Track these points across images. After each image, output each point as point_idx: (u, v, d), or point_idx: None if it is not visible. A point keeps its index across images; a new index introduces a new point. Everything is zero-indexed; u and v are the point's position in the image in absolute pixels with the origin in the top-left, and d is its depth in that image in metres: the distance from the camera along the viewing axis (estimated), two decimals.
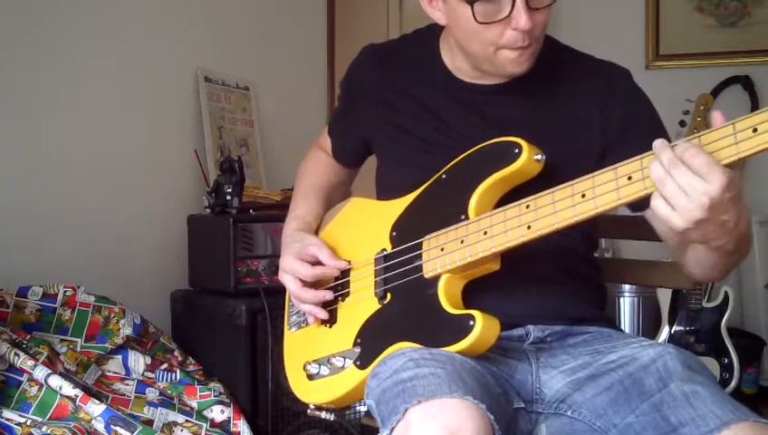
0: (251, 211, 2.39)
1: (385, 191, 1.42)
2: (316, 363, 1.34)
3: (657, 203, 1.00)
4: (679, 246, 1.24)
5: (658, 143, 1.00)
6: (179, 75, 2.70)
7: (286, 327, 1.48)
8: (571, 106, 1.33)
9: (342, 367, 1.29)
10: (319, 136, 1.65)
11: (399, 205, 1.34)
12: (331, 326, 1.37)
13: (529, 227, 1.13)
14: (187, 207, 2.54)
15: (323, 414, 1.37)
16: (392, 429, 1.03)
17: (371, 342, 1.27)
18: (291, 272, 1.39)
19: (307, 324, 1.42)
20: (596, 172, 1.08)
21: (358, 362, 1.27)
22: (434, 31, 1.40)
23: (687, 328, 2.75)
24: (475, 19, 1.21)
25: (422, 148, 1.36)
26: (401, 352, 1.18)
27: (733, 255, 1.11)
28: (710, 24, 3.35)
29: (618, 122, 1.31)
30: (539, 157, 1.20)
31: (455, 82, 1.37)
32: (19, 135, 2.24)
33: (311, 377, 1.35)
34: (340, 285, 1.38)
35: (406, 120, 1.38)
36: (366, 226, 1.40)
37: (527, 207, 1.14)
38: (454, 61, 1.37)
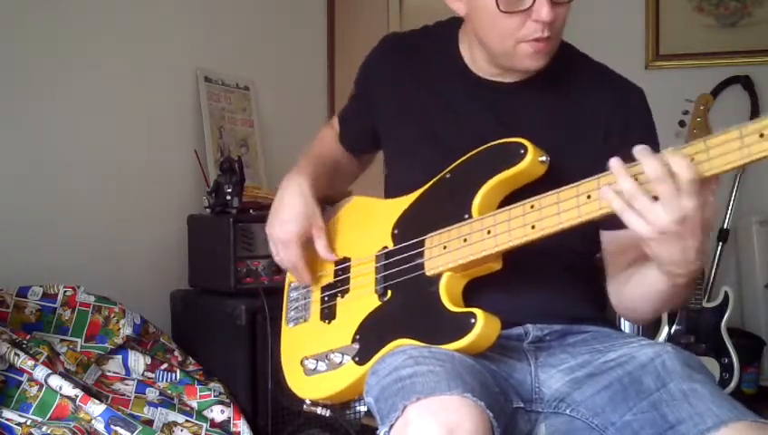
0: (251, 211, 2.39)
1: (392, 184, 1.42)
2: (314, 359, 1.34)
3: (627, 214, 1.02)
4: (630, 270, 1.24)
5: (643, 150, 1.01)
6: (179, 75, 2.70)
7: (284, 322, 1.48)
8: (581, 111, 1.33)
9: (341, 363, 1.29)
10: (332, 120, 1.66)
11: (402, 203, 1.34)
12: (329, 322, 1.37)
13: (533, 227, 1.13)
14: (187, 207, 2.54)
15: (319, 410, 1.36)
16: (391, 426, 1.03)
17: (370, 338, 1.27)
18: (281, 243, 1.40)
19: (305, 320, 1.42)
20: (601, 174, 1.07)
21: (356, 358, 1.27)
22: (454, 24, 1.40)
23: (687, 328, 2.75)
24: (498, 7, 1.21)
25: (433, 140, 1.36)
26: (401, 349, 1.18)
27: (679, 293, 1.16)
28: (710, 24, 3.35)
29: (618, 136, 1.31)
30: (543, 159, 1.20)
31: (471, 77, 1.37)
32: (19, 135, 2.24)
33: (308, 372, 1.35)
34: (339, 282, 1.37)
35: (420, 112, 1.38)
36: (368, 223, 1.39)
37: (532, 207, 1.14)
38: (472, 55, 1.37)
